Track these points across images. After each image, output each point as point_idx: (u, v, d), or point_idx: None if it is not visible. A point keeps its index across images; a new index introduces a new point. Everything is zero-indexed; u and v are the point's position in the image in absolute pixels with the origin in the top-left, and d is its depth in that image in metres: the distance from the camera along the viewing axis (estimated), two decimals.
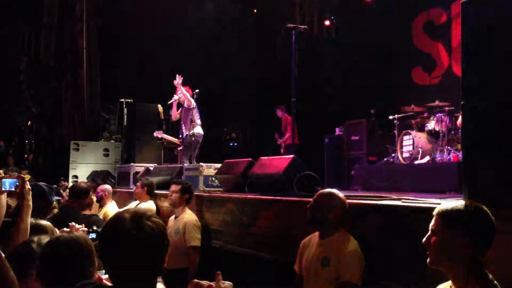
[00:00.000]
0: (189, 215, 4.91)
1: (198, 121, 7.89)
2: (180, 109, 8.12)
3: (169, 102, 8.54)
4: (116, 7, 12.66)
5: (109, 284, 1.77)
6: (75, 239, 2.05)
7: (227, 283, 1.70)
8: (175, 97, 8.09)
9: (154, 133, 9.23)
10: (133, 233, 1.61)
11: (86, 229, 2.94)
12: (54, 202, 3.32)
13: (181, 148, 8.20)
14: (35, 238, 2.27)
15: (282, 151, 9.92)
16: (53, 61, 14.77)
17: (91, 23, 12.87)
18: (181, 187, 4.95)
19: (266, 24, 11.38)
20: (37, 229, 2.59)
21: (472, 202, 1.99)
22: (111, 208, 6.29)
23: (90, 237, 4.02)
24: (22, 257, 2.16)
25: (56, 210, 3.29)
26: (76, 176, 10.14)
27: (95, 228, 3.60)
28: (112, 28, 12.95)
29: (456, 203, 1.99)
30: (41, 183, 3.36)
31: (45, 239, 2.23)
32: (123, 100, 10.25)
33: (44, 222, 2.71)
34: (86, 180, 8.67)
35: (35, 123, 16.02)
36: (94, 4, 13.01)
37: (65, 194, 6.78)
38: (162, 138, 9.41)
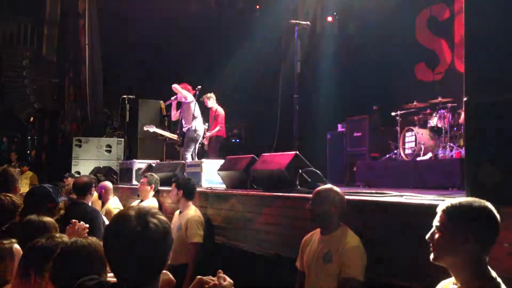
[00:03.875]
0: (192, 211, 4.91)
1: (199, 116, 7.90)
2: (180, 108, 8.14)
3: (167, 103, 8.53)
4: (118, 3, 12.65)
5: (113, 280, 1.77)
6: (90, 245, 2.07)
7: (228, 281, 1.70)
8: (172, 98, 8.15)
9: (144, 127, 9.07)
10: (138, 229, 1.62)
11: (87, 225, 2.94)
12: (60, 203, 3.33)
13: (179, 144, 8.17)
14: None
15: (206, 143, 9.04)
16: (56, 57, 14.79)
17: (93, 19, 12.86)
18: (175, 184, 5.00)
19: (269, 20, 11.35)
20: (40, 227, 2.59)
21: (476, 199, 1.99)
22: (112, 204, 6.33)
23: None
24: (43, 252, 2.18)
25: (62, 211, 3.31)
26: (78, 173, 10.17)
27: None
28: (114, 24, 12.93)
29: (460, 199, 1.99)
30: (46, 185, 3.38)
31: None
32: (125, 96, 10.26)
33: (47, 219, 2.72)
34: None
35: (38, 119, 16.06)
36: (96, 1, 12.99)
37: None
38: (158, 133, 9.26)
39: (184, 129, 7.95)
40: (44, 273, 2.10)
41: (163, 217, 1.71)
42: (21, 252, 2.36)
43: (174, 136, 8.61)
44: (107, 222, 5.44)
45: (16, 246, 2.42)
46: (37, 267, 2.13)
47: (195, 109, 7.84)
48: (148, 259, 1.64)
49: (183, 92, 7.82)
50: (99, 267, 2.02)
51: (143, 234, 1.62)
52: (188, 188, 4.99)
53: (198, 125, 7.83)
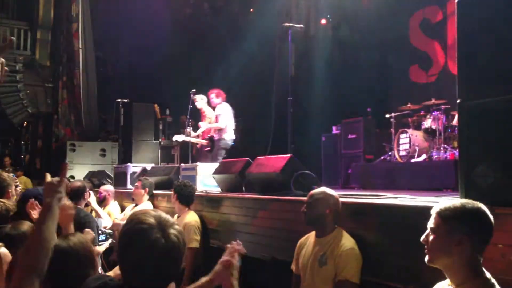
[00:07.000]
0: (189, 216, 4.92)
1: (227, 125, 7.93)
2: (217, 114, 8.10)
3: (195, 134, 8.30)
4: (112, 7, 12.64)
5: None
6: (73, 247, 2.03)
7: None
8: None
9: (174, 138, 8.35)
10: (162, 242, 1.62)
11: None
12: None
13: (208, 149, 8.12)
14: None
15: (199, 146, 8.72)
16: (49, 61, 14.75)
17: (87, 23, 12.83)
18: (173, 188, 5.08)
19: (263, 23, 11.36)
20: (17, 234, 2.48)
21: (470, 200, 2.00)
22: (113, 208, 6.30)
23: (100, 239, 3.99)
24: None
25: None
26: (73, 177, 10.12)
27: (104, 230, 3.56)
28: (108, 27, 12.92)
29: (455, 201, 2.00)
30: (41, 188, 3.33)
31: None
32: (119, 100, 10.23)
33: (26, 226, 2.56)
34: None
35: (31, 124, 16.00)
36: (89, 4, 12.97)
37: None
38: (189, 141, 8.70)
39: (215, 137, 7.93)
40: None
41: (179, 226, 1.72)
42: (9, 256, 2.31)
43: (204, 141, 8.36)
44: (104, 224, 5.41)
45: (4, 249, 2.37)
46: None
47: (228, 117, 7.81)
48: (166, 269, 1.65)
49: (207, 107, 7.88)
50: (87, 268, 2.00)
51: (166, 246, 1.63)
52: (182, 193, 4.98)
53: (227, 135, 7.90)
